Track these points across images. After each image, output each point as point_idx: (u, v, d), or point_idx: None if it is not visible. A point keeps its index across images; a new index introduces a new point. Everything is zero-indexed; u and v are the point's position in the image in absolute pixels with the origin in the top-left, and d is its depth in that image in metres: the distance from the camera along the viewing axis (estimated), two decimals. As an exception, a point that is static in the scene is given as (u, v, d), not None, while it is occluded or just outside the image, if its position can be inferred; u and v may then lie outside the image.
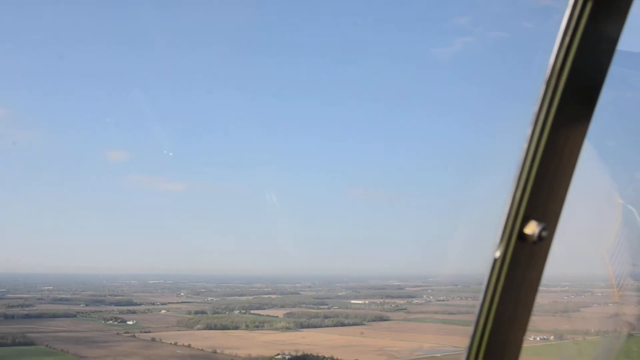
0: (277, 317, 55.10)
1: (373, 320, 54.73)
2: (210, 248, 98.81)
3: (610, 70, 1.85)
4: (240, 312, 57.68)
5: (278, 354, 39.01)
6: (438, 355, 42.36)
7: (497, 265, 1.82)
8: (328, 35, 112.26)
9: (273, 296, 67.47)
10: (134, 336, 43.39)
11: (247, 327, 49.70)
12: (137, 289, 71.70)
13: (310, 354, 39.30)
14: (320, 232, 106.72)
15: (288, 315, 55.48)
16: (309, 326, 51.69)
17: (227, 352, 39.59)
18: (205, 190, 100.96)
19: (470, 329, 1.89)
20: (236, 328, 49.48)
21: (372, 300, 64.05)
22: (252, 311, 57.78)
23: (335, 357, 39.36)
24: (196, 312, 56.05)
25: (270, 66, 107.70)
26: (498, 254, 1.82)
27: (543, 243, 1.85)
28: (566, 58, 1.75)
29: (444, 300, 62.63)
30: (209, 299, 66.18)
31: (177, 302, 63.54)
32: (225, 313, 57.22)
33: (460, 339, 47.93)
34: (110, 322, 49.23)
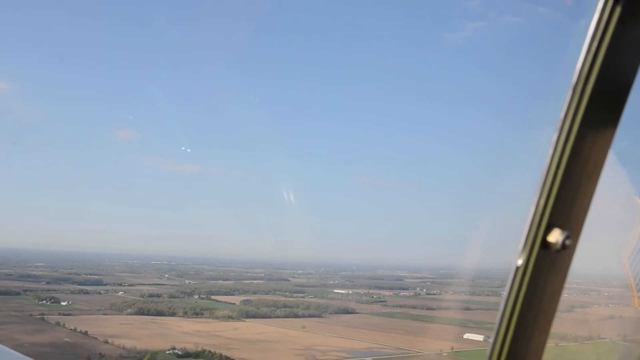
0: (234, 304, 50.43)
1: (336, 313, 48.48)
2: (220, 232, 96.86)
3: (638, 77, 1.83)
4: (199, 297, 53.55)
5: (170, 349, 33.74)
6: (368, 359, 35.35)
7: (520, 273, 1.78)
8: (340, 19, 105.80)
9: (255, 282, 63.20)
10: (43, 319, 39.91)
11: (184, 314, 44.96)
12: (124, 269, 69.72)
13: (207, 351, 33.71)
14: (334, 220, 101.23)
15: (244, 302, 50.51)
16: (255, 316, 46.35)
17: (118, 341, 34.86)
18: (219, 174, 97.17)
19: (492, 336, 1.84)
20: (172, 314, 44.89)
21: (356, 291, 58.03)
22: (212, 296, 53.67)
23: (233, 356, 33.52)
24: (150, 295, 52.26)
25: (285, 49, 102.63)
26: (520, 261, 1.77)
27: (566, 251, 1.80)
28: (593, 63, 1.71)
29: (434, 295, 55.42)
30: (187, 281, 63.09)
31: (148, 284, 60.53)
32: (182, 297, 53.22)
33: (412, 340, 40.89)
34: (44, 302, 46.11)
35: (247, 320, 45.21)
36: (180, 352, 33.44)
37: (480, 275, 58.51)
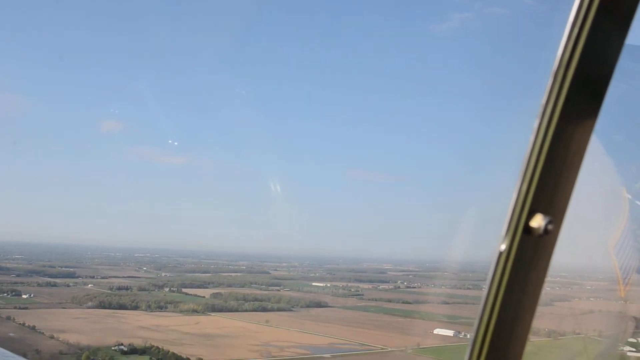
0: (204, 297, 48.76)
1: (308, 307, 46.67)
2: (206, 225, 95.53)
3: (619, 64, 1.84)
4: (170, 289, 51.98)
5: (116, 344, 32.00)
6: (327, 355, 33.45)
7: (503, 258, 1.79)
8: (323, 15, 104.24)
9: (233, 274, 61.66)
10: (-7, 312, 38.28)
11: (148, 308, 43.28)
12: (103, 262, 68.25)
13: (154, 347, 31.93)
14: (322, 214, 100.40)
15: (214, 295, 48.78)
16: (222, 310, 44.63)
17: (64, 336, 33.18)
18: (207, 167, 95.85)
19: (475, 322, 1.84)
20: (135, 308, 43.28)
21: (335, 284, 56.24)
22: (183, 289, 52.07)
23: (184, 352, 31.74)
24: (119, 288, 50.77)
25: (272, 45, 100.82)
26: (503, 247, 1.78)
27: (549, 237, 1.82)
28: (574, 50, 1.73)
29: (414, 288, 53.50)
30: (163, 274, 61.56)
31: (122, 277, 58.96)
32: (153, 290, 51.70)
33: (379, 335, 38.94)
34: (5, 294, 44.64)
35: (212, 314, 43.48)
36: (125, 348, 31.74)
37: (465, 268, 56.74)
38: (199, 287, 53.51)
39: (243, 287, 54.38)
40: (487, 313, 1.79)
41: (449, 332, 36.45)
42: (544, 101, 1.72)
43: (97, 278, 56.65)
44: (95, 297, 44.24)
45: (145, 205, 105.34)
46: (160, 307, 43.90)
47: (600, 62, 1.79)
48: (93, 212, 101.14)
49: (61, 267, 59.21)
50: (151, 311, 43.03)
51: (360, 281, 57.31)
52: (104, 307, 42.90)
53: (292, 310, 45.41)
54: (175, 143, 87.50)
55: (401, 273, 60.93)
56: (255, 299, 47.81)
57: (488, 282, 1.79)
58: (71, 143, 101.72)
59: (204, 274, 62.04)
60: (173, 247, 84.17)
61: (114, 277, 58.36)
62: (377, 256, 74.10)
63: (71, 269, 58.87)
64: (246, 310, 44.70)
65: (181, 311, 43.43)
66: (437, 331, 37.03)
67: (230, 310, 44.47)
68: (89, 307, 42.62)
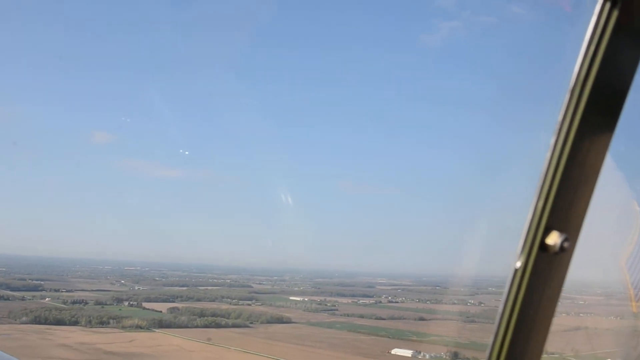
0: (160, 311, 44.65)
1: (268, 322, 41.84)
2: (202, 238, 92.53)
3: (635, 81, 1.86)
4: (129, 303, 48.21)
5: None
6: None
7: (518, 275, 1.79)
8: (314, 25, 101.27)
9: (210, 288, 57.62)
10: None
11: (88, 324, 39.34)
12: (85, 275, 65.63)
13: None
14: (325, 228, 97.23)
15: (171, 310, 44.56)
16: (170, 326, 40.39)
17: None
18: (202, 179, 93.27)
19: (490, 339, 1.83)
20: (74, 324, 39.36)
21: (315, 298, 51.37)
22: (145, 303, 48.12)
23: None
24: (74, 302, 47.43)
25: (268, 56, 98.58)
26: (519, 264, 1.78)
27: (564, 254, 1.82)
28: (591, 67, 1.73)
29: (396, 303, 48.04)
30: (137, 287, 58.02)
31: (90, 290, 55.54)
32: (112, 304, 48.06)
33: (328, 356, 33.67)
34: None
35: (157, 330, 39.15)
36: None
37: (461, 283, 51.62)
38: (164, 301, 49.58)
39: (213, 301, 50.18)
40: (503, 329, 1.77)
41: (408, 353, 30.98)
42: (560, 118, 1.71)
43: (62, 291, 53.34)
44: (32, 312, 40.50)
45: (141, 218, 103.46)
46: (102, 323, 39.82)
47: (616, 78, 1.77)
48: (88, 225, 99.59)
49: (31, 280, 56.35)
50: (91, 327, 39.02)
51: (343, 295, 52.14)
52: (39, 323, 39.12)
53: (248, 327, 40.66)
54: (187, 152, 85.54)
55: (390, 287, 55.56)
56: (214, 314, 43.36)
57: (503, 298, 1.77)
58: (65, 154, 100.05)
59: (181, 288, 58.27)
60: (166, 261, 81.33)
61: (83, 290, 55.08)
62: (374, 270, 69.45)
63: (41, 282, 55.93)
64: (196, 327, 40.21)
65: (123, 327, 39.24)
66: (395, 351, 31.63)
67: (179, 327, 40.05)
68: (22, 322, 38.92)
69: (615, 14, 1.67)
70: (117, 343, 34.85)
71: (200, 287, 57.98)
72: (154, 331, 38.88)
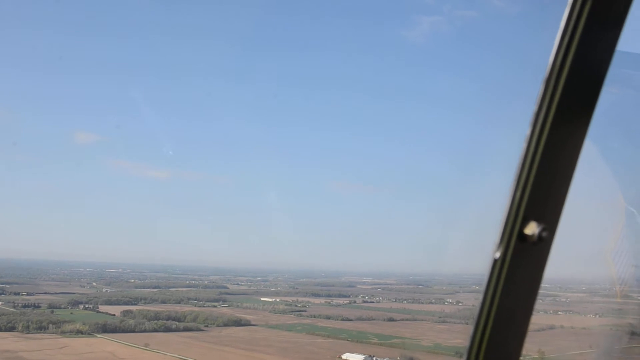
0: (114, 315, 41.44)
1: (225, 325, 38.15)
2: (188, 240, 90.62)
3: (610, 71, 1.84)
4: (85, 307, 45.45)
5: None
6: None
7: (497, 265, 1.76)
8: (295, 29, 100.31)
9: (181, 289, 54.57)
10: None
11: (25, 329, 36.13)
12: (59, 277, 64.01)
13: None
14: (311, 227, 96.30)
15: (124, 313, 41.26)
16: (115, 330, 36.95)
17: None
18: (189, 180, 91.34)
19: (470, 329, 1.81)
20: (11, 329, 36.33)
21: (287, 299, 47.79)
22: (101, 306, 45.23)
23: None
24: (26, 306, 45.04)
25: (258, 59, 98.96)
26: (498, 254, 1.75)
27: (543, 244, 1.79)
28: (565, 57, 1.72)
29: (371, 303, 44.20)
30: (105, 290, 55.34)
31: (52, 293, 53.30)
32: (66, 308, 45.38)
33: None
34: None
35: (99, 335, 35.71)
36: None
37: (444, 281, 48.11)
38: (125, 303, 46.39)
39: (178, 303, 46.88)
40: (483, 319, 1.77)
41: (359, 357, 27.04)
42: (536, 109, 1.71)
43: (22, 295, 50.70)
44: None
45: (127, 220, 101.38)
46: (40, 328, 36.49)
47: (592, 68, 1.77)
48: (73, 228, 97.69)
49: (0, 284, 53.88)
50: (27, 332, 35.77)
51: (318, 296, 48.36)
52: (-26, 327, 35.97)
53: (201, 330, 37.03)
54: (171, 152, 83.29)
55: (371, 287, 51.66)
56: (168, 317, 39.90)
57: (483, 288, 1.77)
58: (55, 158, 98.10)
59: (152, 289, 55.28)
60: (151, 263, 79.19)
61: (45, 293, 52.47)
62: (362, 269, 66.27)
63: (6, 285, 53.36)
64: (144, 331, 36.69)
65: (62, 332, 35.90)
66: (345, 356, 27.70)
67: (125, 331, 36.56)
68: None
69: (589, 3, 1.66)
70: (46, 350, 31.43)
71: (172, 289, 54.89)
72: (95, 336, 35.46)
